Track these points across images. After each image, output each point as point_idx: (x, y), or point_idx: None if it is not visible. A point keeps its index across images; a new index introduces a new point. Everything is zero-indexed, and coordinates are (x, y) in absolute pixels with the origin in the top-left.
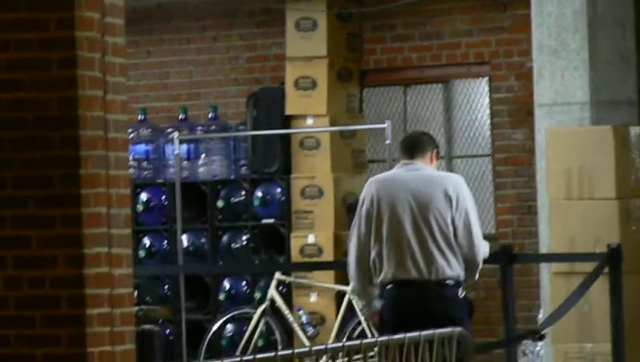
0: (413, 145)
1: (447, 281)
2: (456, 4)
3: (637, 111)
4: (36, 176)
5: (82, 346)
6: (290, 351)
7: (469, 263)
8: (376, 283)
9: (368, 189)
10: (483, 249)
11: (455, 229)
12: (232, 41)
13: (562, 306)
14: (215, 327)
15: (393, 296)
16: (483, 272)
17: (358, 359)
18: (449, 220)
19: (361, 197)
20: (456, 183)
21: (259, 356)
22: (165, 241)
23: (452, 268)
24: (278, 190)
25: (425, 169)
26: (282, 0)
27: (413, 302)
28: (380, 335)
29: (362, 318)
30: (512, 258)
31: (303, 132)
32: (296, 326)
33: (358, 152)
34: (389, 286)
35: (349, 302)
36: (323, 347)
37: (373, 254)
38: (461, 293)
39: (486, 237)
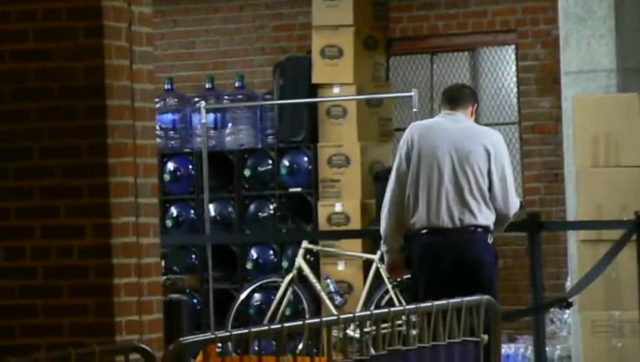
0: (457, 97)
1: (478, 229)
2: None
3: None
4: (63, 145)
5: (110, 316)
6: (318, 320)
7: (501, 216)
8: (410, 224)
9: (410, 133)
10: (515, 204)
11: (491, 183)
12: (258, 10)
13: (589, 274)
14: (243, 296)
15: (426, 242)
16: (510, 240)
17: (385, 327)
18: (486, 173)
19: (402, 140)
20: (496, 139)
21: (287, 324)
22: (192, 211)
23: (485, 218)
24: (305, 159)
25: (466, 121)
26: None
27: (446, 248)
28: (411, 279)
29: (390, 286)
30: (540, 225)
31: (329, 101)
32: (323, 295)
33: (385, 121)
34: (423, 232)
35: (377, 271)
36: (351, 315)
37: (409, 195)
38: (490, 239)
39: None
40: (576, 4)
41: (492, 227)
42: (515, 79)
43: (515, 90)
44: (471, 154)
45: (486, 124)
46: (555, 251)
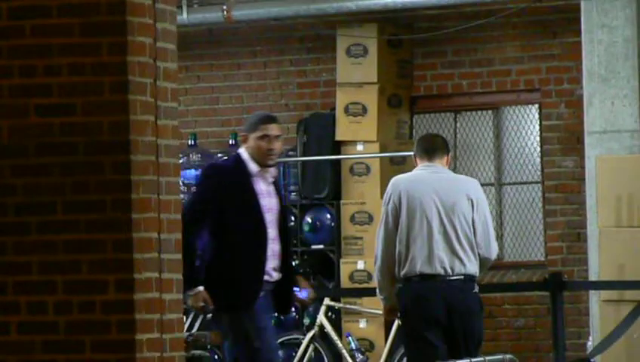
0: (433, 148)
1: (468, 278)
2: (507, 32)
3: None
4: (88, 200)
5: None
6: None
7: (484, 261)
8: (399, 276)
9: (394, 187)
10: (495, 248)
11: (475, 230)
12: (282, 66)
13: (611, 334)
14: None
15: (417, 287)
16: (532, 299)
17: None
18: (470, 221)
19: (386, 195)
20: (476, 187)
21: None
22: None
23: (473, 267)
24: (328, 216)
25: (446, 172)
26: (333, 26)
27: (438, 294)
28: (403, 325)
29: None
30: (562, 285)
31: (353, 158)
32: (345, 353)
33: None
34: (415, 279)
35: (398, 329)
36: None
37: (399, 248)
38: (477, 288)
39: (536, 264)
40: (600, 64)
41: (477, 274)
42: (538, 138)
43: (538, 149)
44: (456, 205)
45: (509, 183)
46: (577, 311)
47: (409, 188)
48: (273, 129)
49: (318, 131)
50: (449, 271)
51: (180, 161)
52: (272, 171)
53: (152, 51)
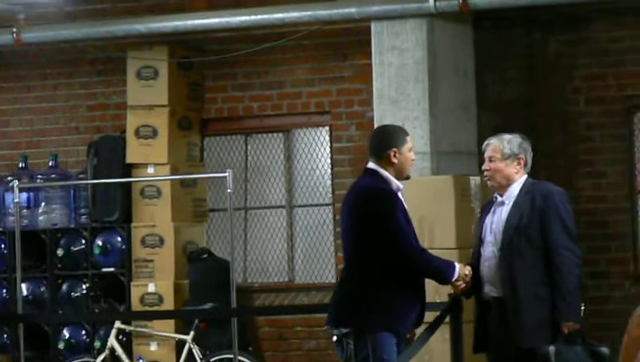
0: None
1: None
2: (297, 54)
3: (477, 160)
4: None
5: None
6: None
7: None
8: None
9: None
10: None
11: None
12: (72, 89)
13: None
14: None
15: None
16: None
17: None
18: None
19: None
20: None
21: None
22: (4, 290)
23: None
24: (119, 239)
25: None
26: (123, 49)
27: None
28: None
29: None
30: None
31: (143, 180)
32: None
33: (199, 201)
34: None
35: (189, 351)
36: None
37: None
38: None
39: (327, 286)
40: (391, 86)
41: None
42: (329, 160)
43: (329, 171)
44: None
45: (300, 206)
46: None
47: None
48: None
49: (109, 154)
50: None
51: None
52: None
53: None
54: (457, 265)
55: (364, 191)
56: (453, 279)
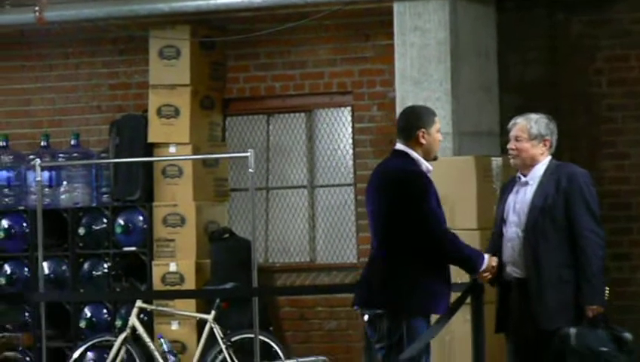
0: None
1: None
2: (320, 34)
3: (498, 141)
4: None
5: None
6: None
7: None
8: None
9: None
10: None
11: None
12: (95, 68)
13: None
14: (76, 355)
15: None
16: (345, 301)
17: None
18: None
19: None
20: None
21: None
22: (26, 268)
23: None
24: (140, 218)
25: None
26: (145, 28)
27: None
28: None
29: (224, 346)
30: None
31: (165, 160)
32: (157, 355)
33: (221, 181)
34: None
35: (211, 331)
36: None
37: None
38: None
39: (348, 266)
40: (413, 67)
41: None
42: (350, 141)
43: (350, 151)
44: None
45: (322, 186)
46: None
47: None
48: None
49: (131, 133)
50: None
51: None
52: None
53: None
54: (486, 256)
55: (396, 173)
56: (481, 269)
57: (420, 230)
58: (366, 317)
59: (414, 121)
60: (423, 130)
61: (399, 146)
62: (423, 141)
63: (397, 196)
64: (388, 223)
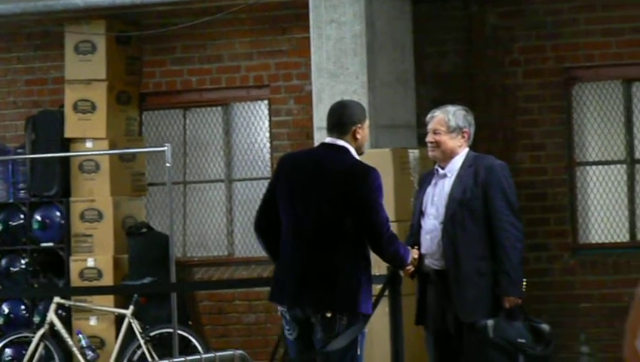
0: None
1: None
2: (236, 28)
3: (415, 134)
4: None
5: None
6: None
7: None
8: None
9: None
10: None
11: None
12: (10, 63)
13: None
14: None
15: None
16: (263, 295)
17: None
18: None
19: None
20: None
21: None
22: None
23: None
24: (57, 213)
25: None
26: (61, 23)
27: None
28: None
29: (142, 341)
30: None
31: (82, 155)
32: (75, 350)
33: (138, 175)
34: None
35: (129, 326)
36: None
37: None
38: None
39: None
40: (329, 59)
41: None
42: (268, 134)
43: (268, 145)
44: None
45: (239, 180)
46: None
47: None
48: None
49: (47, 129)
50: None
51: None
52: None
53: None
54: (410, 250)
55: (352, 167)
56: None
57: (367, 226)
58: (287, 316)
59: (350, 116)
60: (359, 125)
61: (336, 141)
62: (358, 136)
63: (351, 190)
64: (331, 216)
